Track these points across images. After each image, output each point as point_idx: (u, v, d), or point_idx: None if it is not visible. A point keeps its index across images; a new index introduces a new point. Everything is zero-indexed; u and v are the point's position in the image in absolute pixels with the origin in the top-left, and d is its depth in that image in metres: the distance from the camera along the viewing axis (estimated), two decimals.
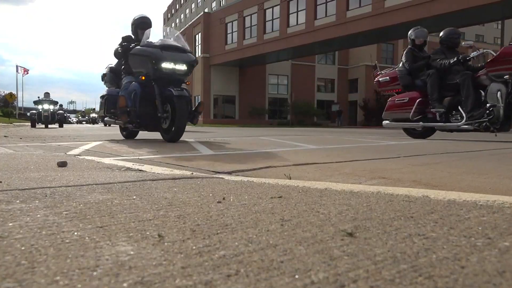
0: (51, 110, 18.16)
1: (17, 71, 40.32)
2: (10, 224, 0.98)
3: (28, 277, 0.64)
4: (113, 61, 6.81)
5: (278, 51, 29.89)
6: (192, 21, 40.42)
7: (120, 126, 6.74)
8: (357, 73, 40.28)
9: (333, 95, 41.29)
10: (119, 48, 6.04)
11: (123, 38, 6.03)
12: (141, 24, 6.14)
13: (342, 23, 24.16)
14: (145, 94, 5.37)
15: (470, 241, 0.84)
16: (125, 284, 0.62)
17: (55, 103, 18.89)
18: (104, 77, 6.94)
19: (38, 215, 1.07)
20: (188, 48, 5.70)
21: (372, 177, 2.18)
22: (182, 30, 42.53)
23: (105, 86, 7.00)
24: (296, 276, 0.65)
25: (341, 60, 41.15)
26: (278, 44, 29.08)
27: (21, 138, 6.74)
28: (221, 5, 46.07)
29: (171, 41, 5.57)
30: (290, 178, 2.04)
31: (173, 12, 71.82)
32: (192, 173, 2.18)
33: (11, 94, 29.91)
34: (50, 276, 0.65)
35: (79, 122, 69.28)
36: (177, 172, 2.22)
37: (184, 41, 5.91)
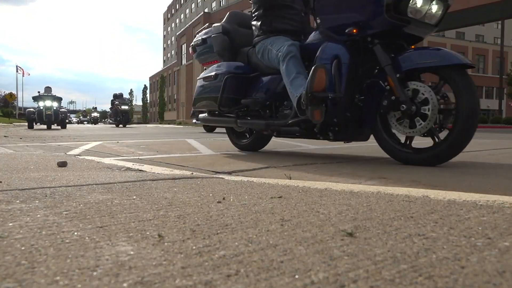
0: (54, 108, 14.86)
1: (17, 71, 40.31)
2: (10, 224, 0.98)
3: (28, 277, 0.64)
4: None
5: None
6: (192, 21, 40.42)
7: (257, 131, 3.87)
8: None
9: None
10: None
11: None
12: None
13: None
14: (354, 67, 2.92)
15: (470, 241, 0.84)
16: (125, 284, 0.62)
17: (59, 99, 15.77)
18: (203, 43, 4.09)
19: (38, 215, 1.07)
20: None
21: (372, 177, 2.18)
22: (182, 30, 42.55)
23: (201, 60, 4.29)
24: (296, 276, 0.65)
25: None
26: None
27: (21, 138, 6.74)
28: (221, 5, 46.07)
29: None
30: (290, 178, 2.04)
31: (173, 12, 71.84)
32: (192, 173, 2.18)
33: (11, 94, 29.91)
34: (50, 276, 0.65)
35: (80, 122, 69.07)
36: (177, 172, 2.22)
37: None
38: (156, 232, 0.92)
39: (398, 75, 2.63)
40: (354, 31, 2.80)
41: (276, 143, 5.39)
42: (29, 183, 1.64)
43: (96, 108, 52.64)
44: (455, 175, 2.25)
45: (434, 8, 2.92)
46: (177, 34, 45.38)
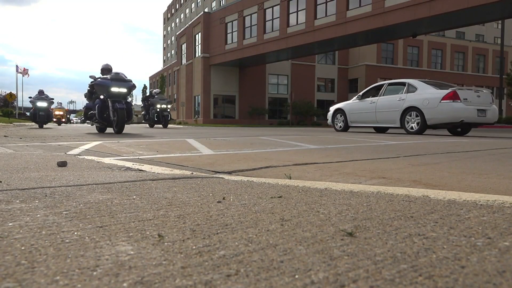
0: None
1: (17, 70, 40.30)
2: (10, 224, 0.98)
3: (28, 277, 0.64)
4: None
5: (278, 51, 29.88)
6: (192, 21, 40.38)
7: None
8: (357, 73, 40.29)
9: (333, 95, 41.27)
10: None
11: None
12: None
13: (342, 23, 24.15)
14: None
15: (470, 241, 0.84)
16: (125, 284, 0.62)
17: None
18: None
19: (38, 215, 1.07)
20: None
21: (372, 177, 2.18)
22: (182, 30, 42.52)
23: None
24: (296, 276, 0.65)
25: (341, 60, 41.16)
26: (278, 44, 29.08)
27: (21, 138, 6.74)
28: (221, 4, 46.07)
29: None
30: (290, 178, 2.04)
31: (173, 12, 71.84)
32: (192, 173, 2.18)
33: (11, 94, 29.89)
34: (50, 276, 0.65)
35: (82, 122, 69.51)
36: (177, 172, 2.22)
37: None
38: (156, 232, 0.92)
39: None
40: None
41: (276, 143, 5.39)
42: (29, 183, 1.64)
43: None
44: (455, 175, 2.25)
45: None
46: (177, 34, 45.35)
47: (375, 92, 11.15)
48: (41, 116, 15.99)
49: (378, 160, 3.09)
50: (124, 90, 9.13)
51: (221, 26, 34.86)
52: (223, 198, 1.35)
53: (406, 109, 9.57)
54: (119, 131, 8.99)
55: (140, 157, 3.40)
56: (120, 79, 9.17)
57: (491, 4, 17.21)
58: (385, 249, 0.79)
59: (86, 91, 10.52)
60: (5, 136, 7.50)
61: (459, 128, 9.54)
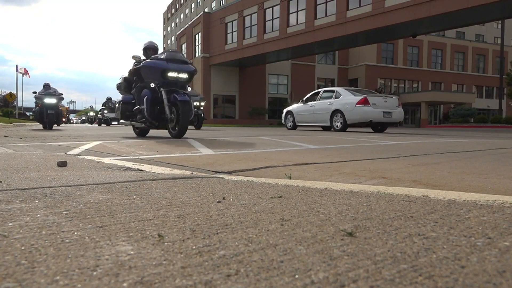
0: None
1: (17, 70, 40.29)
2: (10, 224, 0.98)
3: (28, 277, 0.64)
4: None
5: (278, 51, 29.88)
6: (192, 21, 40.39)
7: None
8: (357, 73, 40.29)
9: None
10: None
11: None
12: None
13: (342, 23, 24.16)
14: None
15: (470, 241, 0.84)
16: (125, 284, 0.62)
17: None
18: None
19: (38, 215, 1.07)
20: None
21: (372, 177, 2.18)
22: (182, 30, 42.53)
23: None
24: (296, 276, 0.65)
25: (341, 60, 41.16)
26: (278, 44, 29.08)
27: (21, 138, 6.74)
28: (221, 4, 46.06)
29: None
30: (290, 178, 2.04)
31: (173, 12, 71.83)
32: (192, 173, 2.18)
33: (10, 94, 29.91)
34: (50, 276, 0.65)
35: (83, 121, 69.55)
36: (177, 171, 2.22)
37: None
38: (156, 232, 0.92)
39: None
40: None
41: (276, 143, 5.39)
42: (29, 183, 1.64)
43: (92, 107, 51.78)
44: (455, 175, 2.25)
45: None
46: (177, 34, 45.37)
47: (314, 97, 13.59)
48: (49, 115, 12.57)
49: (378, 160, 3.09)
50: (185, 75, 6.52)
51: (221, 26, 34.85)
52: (223, 198, 1.35)
53: (333, 111, 12.21)
54: (179, 134, 6.32)
55: (140, 157, 3.40)
56: (180, 60, 6.59)
57: (491, 4, 17.22)
58: (385, 249, 0.79)
59: (121, 80, 7.84)
60: (5, 136, 7.50)
61: (379, 126, 12.09)
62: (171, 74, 6.36)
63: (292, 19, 28.53)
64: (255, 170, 2.50)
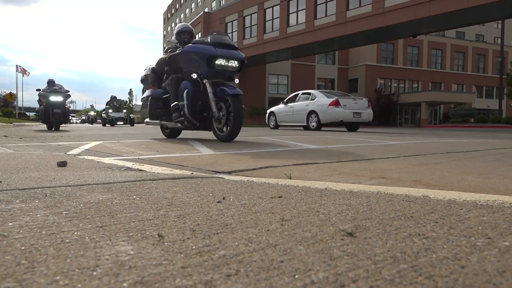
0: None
1: (17, 70, 40.30)
2: (10, 224, 0.98)
3: (28, 277, 0.64)
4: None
5: (278, 51, 29.89)
6: (192, 21, 40.38)
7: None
8: (357, 73, 40.30)
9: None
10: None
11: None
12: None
13: (342, 23, 24.16)
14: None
15: (470, 241, 0.84)
16: (125, 284, 0.62)
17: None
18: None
19: (38, 215, 1.07)
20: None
21: (372, 177, 2.18)
22: None
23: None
24: (296, 276, 0.65)
25: (341, 60, 41.16)
26: (278, 44, 29.09)
27: (21, 138, 6.74)
28: (221, 4, 46.05)
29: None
30: (290, 178, 2.04)
31: (173, 12, 71.83)
32: (192, 173, 2.18)
33: (10, 94, 29.92)
34: (50, 276, 0.65)
35: (84, 122, 69.47)
36: (177, 171, 2.22)
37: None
38: (156, 232, 0.92)
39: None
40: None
41: (276, 143, 5.39)
42: (29, 183, 1.64)
43: (93, 106, 51.50)
44: (455, 175, 2.25)
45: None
46: None
47: (294, 99, 14.57)
48: (56, 115, 11.35)
49: (378, 160, 3.09)
50: (234, 63, 5.30)
51: (221, 26, 34.84)
52: (223, 198, 1.35)
53: (309, 112, 13.20)
54: (229, 137, 5.12)
55: (140, 157, 3.40)
56: (227, 44, 5.31)
57: (491, 4, 17.22)
58: (385, 249, 0.79)
59: (148, 72, 6.48)
60: (5, 136, 7.49)
61: (352, 126, 13.15)
62: (219, 61, 5.11)
63: (292, 19, 28.53)
64: (255, 170, 2.50)
